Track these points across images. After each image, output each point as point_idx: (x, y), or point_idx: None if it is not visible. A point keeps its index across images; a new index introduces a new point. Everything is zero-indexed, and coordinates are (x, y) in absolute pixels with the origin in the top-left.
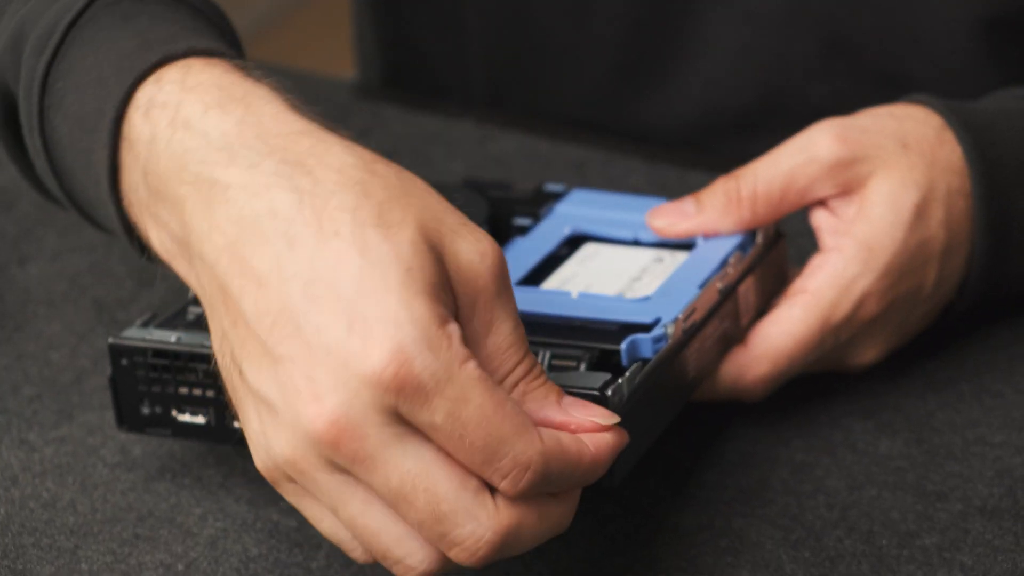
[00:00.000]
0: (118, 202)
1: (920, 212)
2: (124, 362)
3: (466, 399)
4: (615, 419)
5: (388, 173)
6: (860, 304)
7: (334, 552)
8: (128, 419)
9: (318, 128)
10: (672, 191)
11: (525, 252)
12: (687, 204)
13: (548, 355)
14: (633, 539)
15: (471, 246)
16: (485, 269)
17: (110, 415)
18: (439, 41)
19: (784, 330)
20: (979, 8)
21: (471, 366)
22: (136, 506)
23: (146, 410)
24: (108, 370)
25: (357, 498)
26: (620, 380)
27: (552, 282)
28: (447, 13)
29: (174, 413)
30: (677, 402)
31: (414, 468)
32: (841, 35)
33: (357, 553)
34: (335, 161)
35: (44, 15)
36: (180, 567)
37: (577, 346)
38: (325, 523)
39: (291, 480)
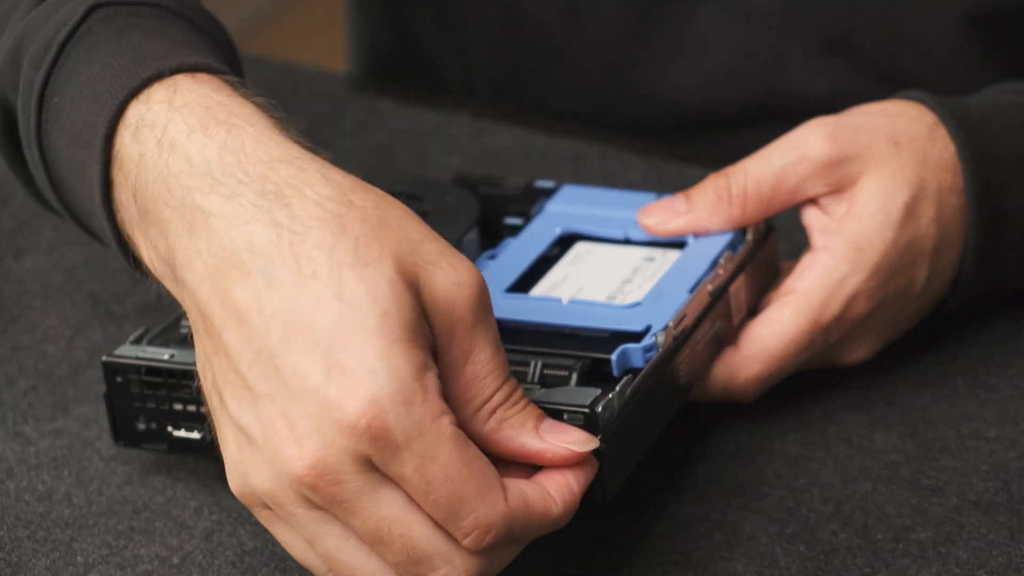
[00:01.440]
0: (111, 217)
1: (910, 210)
2: (118, 379)
3: (434, 456)
4: (593, 444)
5: (366, 203)
6: (850, 304)
7: None
8: (124, 435)
9: (298, 154)
10: (668, 185)
11: (516, 254)
12: (677, 202)
13: (539, 364)
14: (628, 532)
15: (448, 276)
16: (463, 300)
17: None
18: (435, 35)
19: (774, 331)
20: (974, 5)
21: (444, 422)
22: (131, 499)
23: (142, 426)
24: (104, 387)
25: (334, 534)
26: (611, 395)
27: (543, 285)
28: (443, 7)
29: (170, 429)
30: (670, 408)
31: (390, 513)
32: (838, 33)
33: None
34: (312, 193)
35: (42, 29)
36: (176, 560)
37: (568, 355)
38: (296, 549)
39: (266, 507)
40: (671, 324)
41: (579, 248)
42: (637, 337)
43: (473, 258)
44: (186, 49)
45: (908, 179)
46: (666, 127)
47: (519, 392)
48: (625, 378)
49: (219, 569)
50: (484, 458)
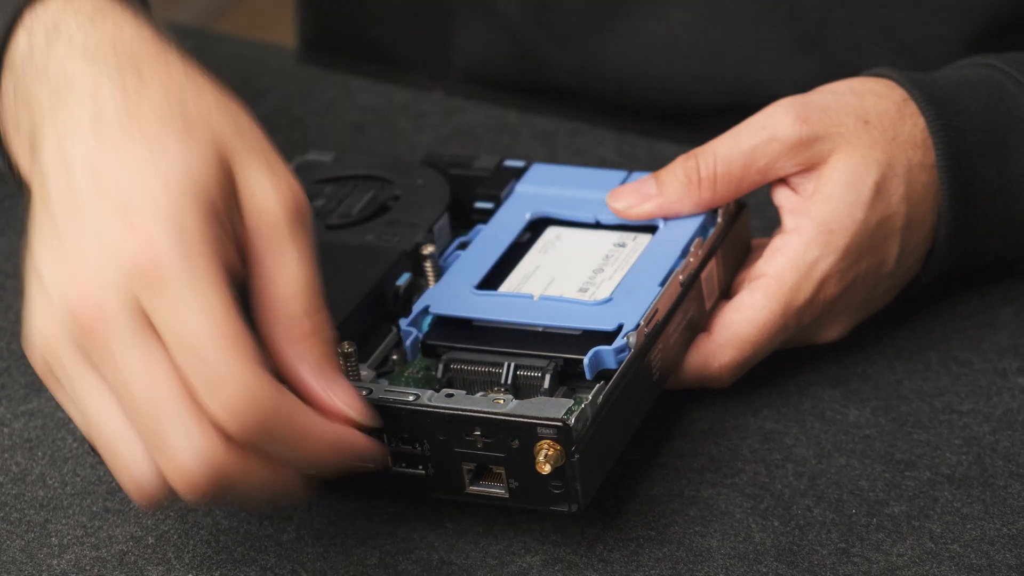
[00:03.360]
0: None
1: (880, 190)
2: None
3: (198, 300)
4: (368, 421)
5: (211, 91)
6: (821, 286)
7: (304, 524)
8: None
9: (168, 47)
10: (641, 162)
11: (487, 243)
12: (647, 184)
13: (512, 366)
14: (603, 508)
15: (268, 178)
16: (276, 205)
17: None
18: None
19: (746, 316)
20: None
21: (215, 276)
22: (106, 479)
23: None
24: None
25: (97, 392)
26: (584, 404)
27: (514, 278)
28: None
29: None
30: (644, 404)
31: (145, 363)
32: (811, 30)
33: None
34: (164, 72)
35: None
36: (151, 540)
37: (541, 356)
38: (74, 413)
39: (52, 373)
40: (643, 323)
41: (549, 234)
42: (609, 337)
43: (444, 245)
44: None
45: (877, 158)
46: (634, 124)
47: (328, 330)
48: (597, 385)
49: (194, 548)
50: (245, 327)
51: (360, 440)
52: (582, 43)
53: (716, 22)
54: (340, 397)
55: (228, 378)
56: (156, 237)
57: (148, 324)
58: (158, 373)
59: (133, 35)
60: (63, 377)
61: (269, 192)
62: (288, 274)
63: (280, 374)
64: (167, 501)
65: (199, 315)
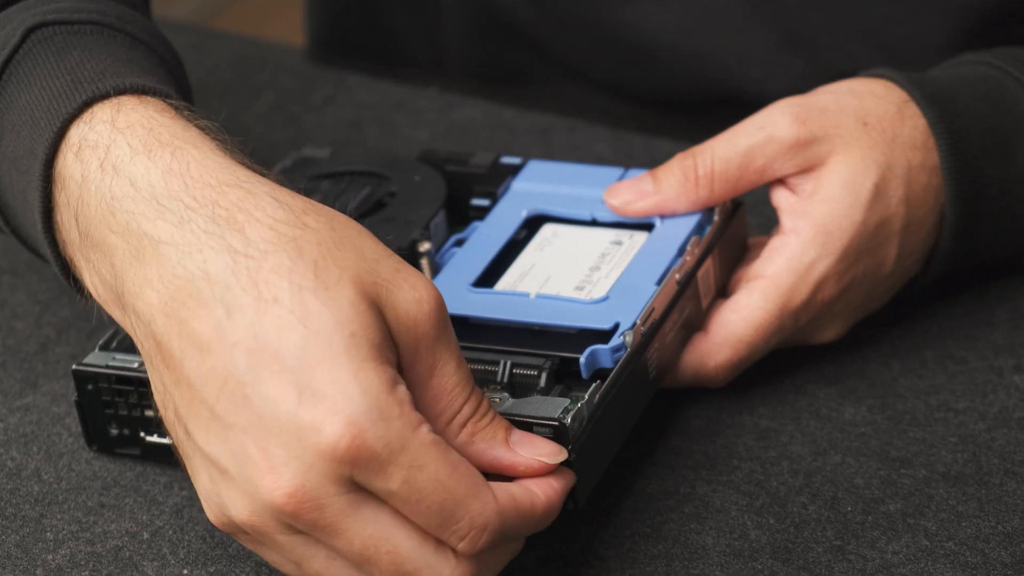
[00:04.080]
0: (52, 243)
1: (879, 191)
2: (89, 387)
3: (420, 466)
4: (563, 455)
5: (320, 224)
6: (819, 287)
7: None
8: (97, 440)
9: (246, 177)
10: (637, 158)
11: (484, 240)
12: (644, 182)
13: (509, 364)
14: (598, 505)
15: (408, 294)
16: (424, 315)
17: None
18: (403, 14)
19: (743, 317)
20: None
21: (424, 431)
22: (101, 475)
23: (114, 431)
24: (74, 394)
25: (320, 555)
26: (580, 404)
27: (511, 275)
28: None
29: (142, 434)
30: (641, 404)
31: (375, 532)
32: (797, 31)
33: None
34: (265, 216)
35: None
36: (146, 535)
37: (537, 354)
38: (287, 568)
39: (247, 533)
40: (639, 322)
41: (546, 231)
42: (606, 335)
43: (441, 243)
44: (128, 68)
45: (877, 160)
46: (631, 121)
47: (486, 404)
48: (594, 385)
49: (189, 544)
50: (467, 462)
51: (561, 482)
52: (574, 38)
53: (702, 21)
54: (534, 453)
55: (475, 508)
56: (351, 414)
57: (364, 491)
58: (393, 532)
59: (202, 169)
60: (272, 544)
61: (413, 307)
62: (447, 369)
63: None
64: None
65: (429, 474)
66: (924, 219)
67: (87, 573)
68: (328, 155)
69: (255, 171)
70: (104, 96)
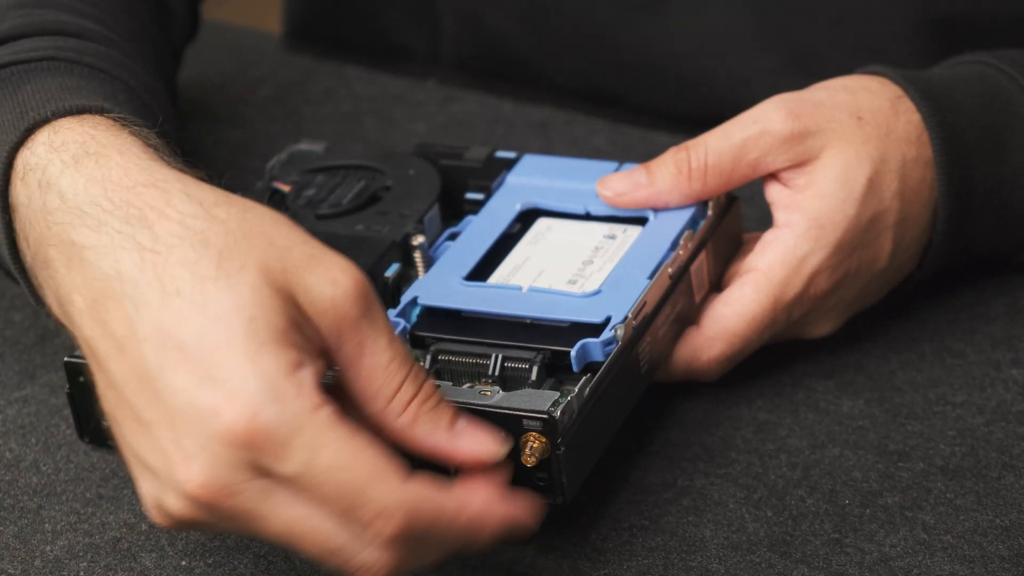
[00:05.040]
0: (22, 271)
1: (873, 185)
2: (81, 379)
3: (318, 447)
4: (502, 452)
5: (230, 216)
6: (812, 281)
7: None
8: (89, 432)
9: (163, 176)
10: (634, 152)
11: (477, 233)
12: (638, 174)
13: (500, 357)
14: (596, 497)
15: (321, 277)
16: (341, 296)
17: None
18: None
19: (735, 310)
20: (933, 15)
21: (324, 413)
22: (99, 466)
23: (105, 423)
24: (66, 386)
25: (262, 533)
26: (570, 397)
27: (504, 269)
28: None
29: None
30: (632, 397)
31: (294, 514)
32: (801, 52)
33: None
34: (175, 212)
35: None
36: (144, 527)
37: (528, 347)
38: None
39: (196, 525)
40: (631, 316)
41: (540, 225)
42: (597, 329)
43: (434, 236)
44: (76, 93)
45: (870, 154)
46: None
47: (431, 387)
48: (584, 377)
49: (187, 536)
50: (376, 445)
51: (502, 508)
52: (575, 55)
53: (707, 43)
54: (474, 442)
55: (377, 495)
56: (247, 398)
57: (273, 478)
58: (311, 513)
59: (122, 172)
60: (221, 528)
61: (328, 289)
62: (376, 347)
63: (398, 441)
64: None
65: (327, 458)
66: (919, 214)
67: (85, 564)
68: (323, 149)
69: (178, 170)
70: (44, 121)
